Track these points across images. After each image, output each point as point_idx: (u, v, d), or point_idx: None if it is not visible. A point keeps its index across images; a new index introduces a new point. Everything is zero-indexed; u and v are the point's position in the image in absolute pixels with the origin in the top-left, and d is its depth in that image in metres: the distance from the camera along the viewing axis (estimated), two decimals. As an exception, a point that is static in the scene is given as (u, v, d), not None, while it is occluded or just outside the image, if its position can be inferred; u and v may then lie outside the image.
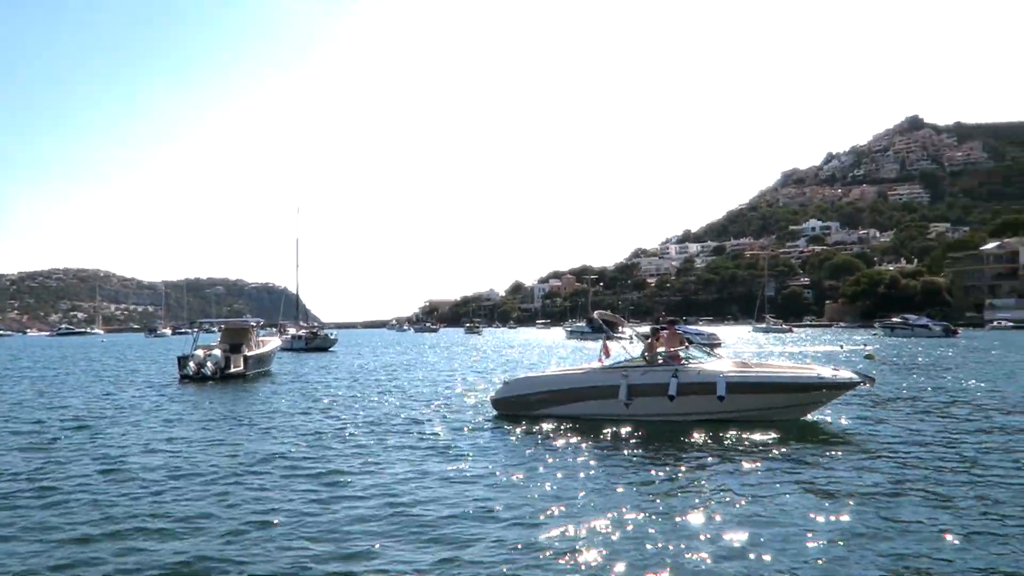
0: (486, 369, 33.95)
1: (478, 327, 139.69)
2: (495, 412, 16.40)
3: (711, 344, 59.24)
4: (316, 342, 59.58)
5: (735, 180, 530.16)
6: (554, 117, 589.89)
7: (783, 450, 11.77)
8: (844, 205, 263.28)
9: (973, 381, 23.73)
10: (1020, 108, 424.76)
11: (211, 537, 7.63)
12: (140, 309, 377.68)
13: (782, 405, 14.41)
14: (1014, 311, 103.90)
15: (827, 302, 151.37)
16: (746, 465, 10.69)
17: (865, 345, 53.35)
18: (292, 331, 60.86)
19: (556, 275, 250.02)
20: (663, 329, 16.21)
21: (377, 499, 9.09)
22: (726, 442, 12.54)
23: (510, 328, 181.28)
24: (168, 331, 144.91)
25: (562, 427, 14.25)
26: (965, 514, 8.02)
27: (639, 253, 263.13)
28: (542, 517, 8.16)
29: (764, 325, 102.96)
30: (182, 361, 28.54)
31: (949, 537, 7.22)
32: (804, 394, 14.45)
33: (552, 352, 52.23)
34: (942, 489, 9.10)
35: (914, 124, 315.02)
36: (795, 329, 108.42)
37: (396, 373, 32.08)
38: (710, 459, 11.22)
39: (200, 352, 28.40)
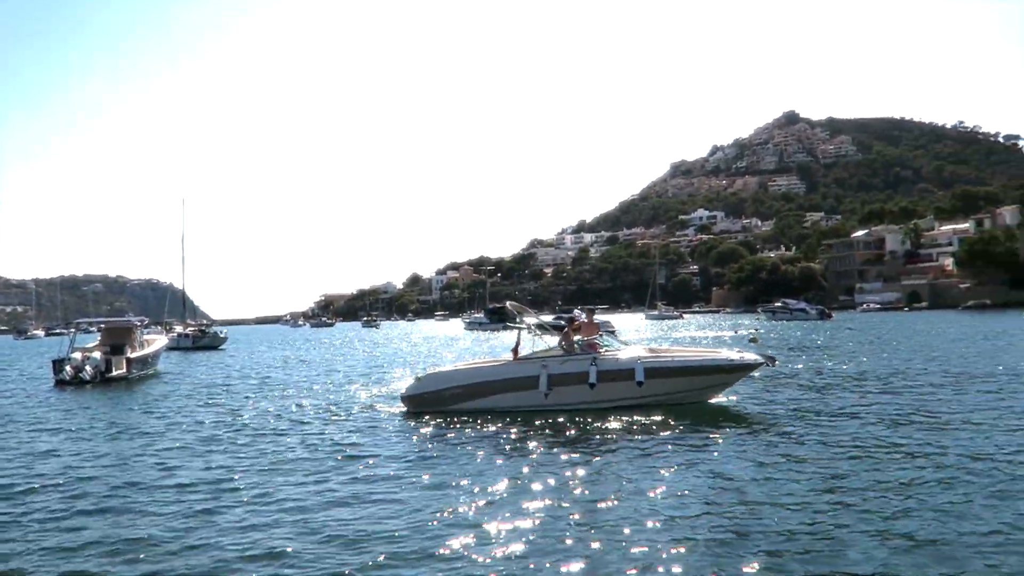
0: (388, 363, 33.54)
1: (376, 320, 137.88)
2: (405, 409, 15.85)
3: (605, 331, 60.86)
4: (205, 340, 57.17)
5: (627, 171, 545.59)
6: (451, 107, 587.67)
7: (698, 434, 12.24)
8: (729, 195, 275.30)
9: (849, 362, 25.42)
10: (884, 105, 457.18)
11: (82, 559, 7.08)
12: (8, 309, 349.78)
13: (695, 388, 15.13)
14: (881, 294, 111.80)
15: (714, 288, 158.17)
16: (663, 452, 10.98)
17: (756, 329, 56.14)
18: (179, 329, 58.13)
19: (454, 266, 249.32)
20: (575, 319, 16.40)
21: (274, 512, 8.57)
22: (640, 428, 12.88)
23: (408, 321, 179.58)
24: (40, 332, 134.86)
25: (477, 421, 14.14)
26: (859, 493, 8.45)
27: (536, 243, 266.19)
28: (456, 519, 8.03)
29: (656, 312, 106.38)
30: (57, 365, 26.69)
31: (842, 509, 7.66)
32: (716, 376, 15.26)
33: (454, 343, 52.20)
34: (836, 465, 9.66)
35: (791, 119, 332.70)
36: (685, 315, 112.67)
37: (293, 371, 31.18)
38: (627, 447, 11.42)
39: (78, 355, 26.69)
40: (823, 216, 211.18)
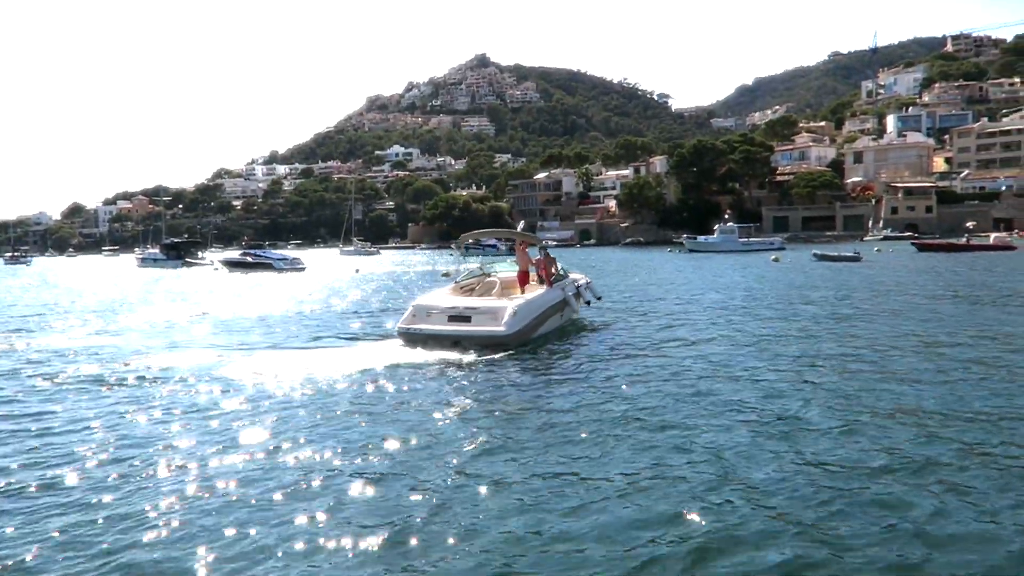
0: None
1: (25, 256, 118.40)
2: (505, 349, 13.02)
3: (295, 269, 57.57)
4: None
5: (322, 103, 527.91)
6: (127, 11, 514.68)
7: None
8: (424, 133, 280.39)
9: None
10: (565, 57, 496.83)
11: None
12: None
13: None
14: (558, 232, 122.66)
15: (410, 224, 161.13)
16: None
17: (451, 266, 57.81)
18: None
19: (126, 196, 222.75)
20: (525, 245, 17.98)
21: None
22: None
23: (68, 256, 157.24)
24: None
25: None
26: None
27: (222, 173, 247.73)
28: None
29: (352, 247, 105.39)
30: None
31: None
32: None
33: (142, 288, 46.08)
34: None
35: (482, 62, 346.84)
36: (382, 251, 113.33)
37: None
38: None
39: None
40: (510, 158, 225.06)
